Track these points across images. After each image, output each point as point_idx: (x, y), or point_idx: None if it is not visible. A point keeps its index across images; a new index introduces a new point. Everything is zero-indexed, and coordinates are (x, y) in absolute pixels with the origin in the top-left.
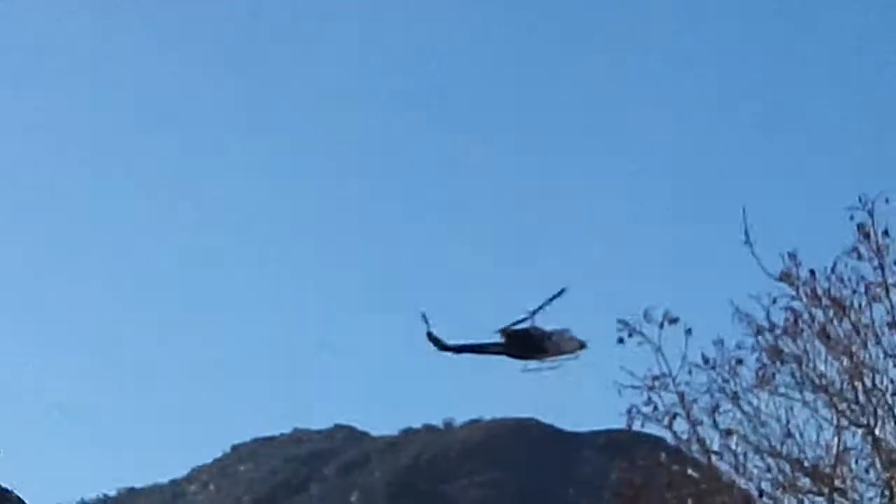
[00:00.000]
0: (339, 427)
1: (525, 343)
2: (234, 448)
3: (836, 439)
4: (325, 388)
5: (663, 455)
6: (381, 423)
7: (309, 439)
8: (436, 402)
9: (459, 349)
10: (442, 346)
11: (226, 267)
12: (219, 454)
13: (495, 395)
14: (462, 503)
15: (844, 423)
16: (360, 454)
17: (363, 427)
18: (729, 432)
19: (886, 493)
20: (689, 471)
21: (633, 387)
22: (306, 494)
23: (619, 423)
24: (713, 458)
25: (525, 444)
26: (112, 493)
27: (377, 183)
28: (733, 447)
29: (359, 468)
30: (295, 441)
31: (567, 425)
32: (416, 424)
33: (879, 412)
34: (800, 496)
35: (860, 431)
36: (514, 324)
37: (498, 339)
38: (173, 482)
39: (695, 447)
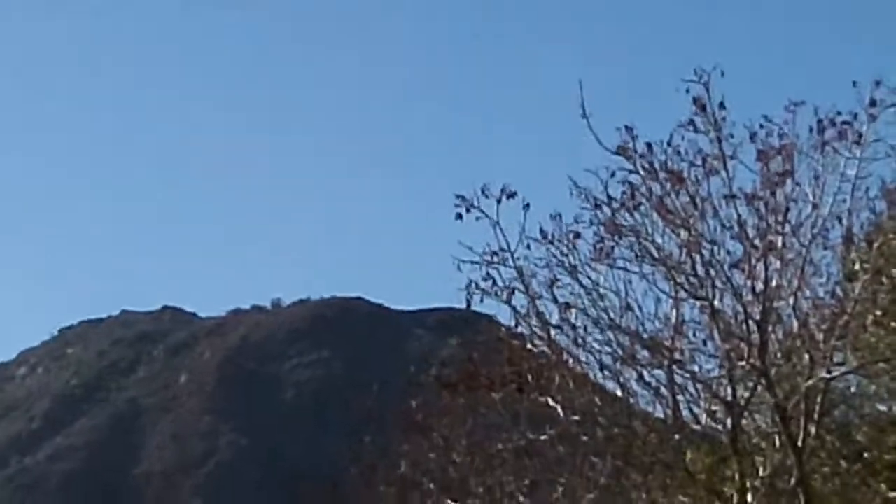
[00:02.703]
0: (166, 309)
1: None
2: (62, 331)
3: (674, 311)
4: (152, 269)
5: (503, 330)
6: (209, 305)
7: (137, 321)
8: (263, 283)
9: None
10: None
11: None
12: (46, 337)
13: (323, 274)
14: (291, 383)
15: (683, 295)
16: (188, 336)
17: (191, 308)
18: (567, 306)
19: (725, 363)
20: (529, 346)
21: (472, 262)
22: (135, 377)
23: (449, 302)
24: (552, 332)
25: (353, 323)
26: None
27: None
28: (572, 321)
29: (187, 350)
30: (123, 323)
31: (396, 304)
32: (244, 305)
33: (718, 284)
34: (639, 368)
35: (698, 304)
36: None
37: None
38: (1, 365)
39: (534, 322)
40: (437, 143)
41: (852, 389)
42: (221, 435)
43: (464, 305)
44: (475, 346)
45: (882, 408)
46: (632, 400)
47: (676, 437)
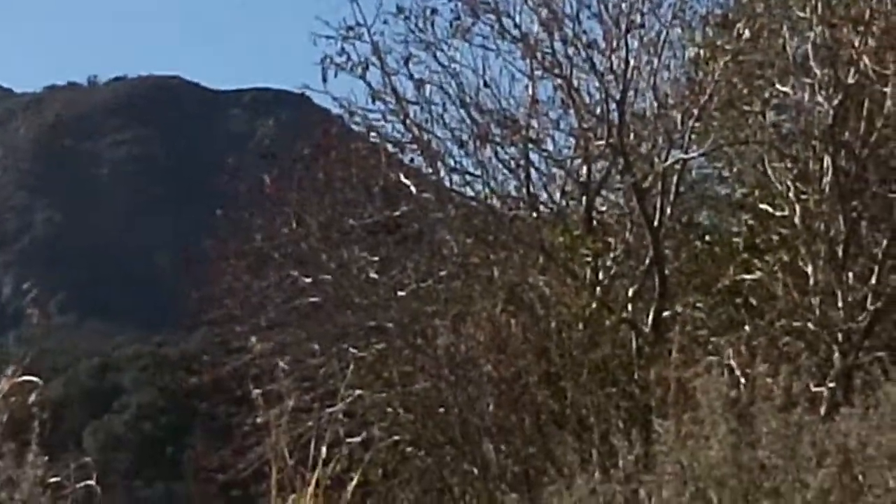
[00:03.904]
0: None
1: None
2: None
3: (530, 90)
4: None
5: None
6: (24, 79)
7: None
8: (79, 59)
9: None
10: None
11: None
12: None
13: (140, 52)
14: (107, 160)
15: (540, 73)
16: (3, 111)
17: (6, 83)
18: (422, 82)
19: (581, 142)
20: (383, 122)
21: (328, 37)
22: None
23: (263, 82)
24: (409, 107)
25: (170, 101)
26: None
27: None
28: (428, 97)
29: (1, 125)
30: None
31: (212, 84)
32: (60, 81)
33: (577, 62)
34: (494, 146)
35: (556, 82)
36: None
37: None
38: None
39: (389, 98)
40: None
41: (693, 174)
42: (37, 211)
43: (285, 85)
44: (326, 122)
45: (725, 191)
46: (488, 179)
47: (532, 214)
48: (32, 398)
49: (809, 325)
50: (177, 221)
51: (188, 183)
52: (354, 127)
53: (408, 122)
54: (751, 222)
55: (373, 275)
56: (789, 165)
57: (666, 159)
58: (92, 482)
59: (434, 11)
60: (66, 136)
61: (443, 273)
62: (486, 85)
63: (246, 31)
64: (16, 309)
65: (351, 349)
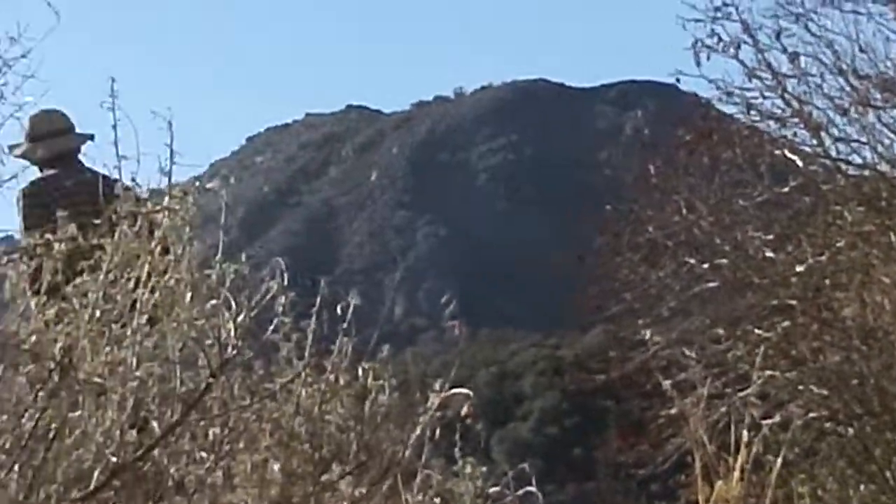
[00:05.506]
0: (351, 108)
1: None
2: (250, 140)
3: None
4: (333, 70)
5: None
6: (392, 100)
7: (322, 123)
8: (444, 73)
9: None
10: None
11: None
12: (235, 147)
13: (503, 59)
14: (482, 169)
15: None
16: (375, 133)
17: (375, 105)
18: (797, 54)
19: None
20: (761, 99)
21: (696, 20)
22: (326, 178)
23: (627, 75)
24: (786, 81)
25: (536, 104)
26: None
27: None
28: (805, 69)
29: (375, 147)
30: (308, 126)
31: (576, 82)
32: (427, 97)
33: None
34: (877, 111)
35: None
36: None
37: None
38: (195, 178)
39: (765, 74)
40: None
41: None
42: (418, 228)
43: (687, 69)
44: (701, 107)
45: None
46: (874, 143)
47: None
48: (465, 409)
49: None
50: (554, 221)
51: (561, 182)
52: (730, 108)
53: (786, 95)
54: None
55: (769, 254)
56: None
57: None
58: (532, 488)
59: None
60: (439, 151)
61: (840, 244)
62: (861, 50)
63: (607, 24)
64: (409, 326)
65: (755, 330)
